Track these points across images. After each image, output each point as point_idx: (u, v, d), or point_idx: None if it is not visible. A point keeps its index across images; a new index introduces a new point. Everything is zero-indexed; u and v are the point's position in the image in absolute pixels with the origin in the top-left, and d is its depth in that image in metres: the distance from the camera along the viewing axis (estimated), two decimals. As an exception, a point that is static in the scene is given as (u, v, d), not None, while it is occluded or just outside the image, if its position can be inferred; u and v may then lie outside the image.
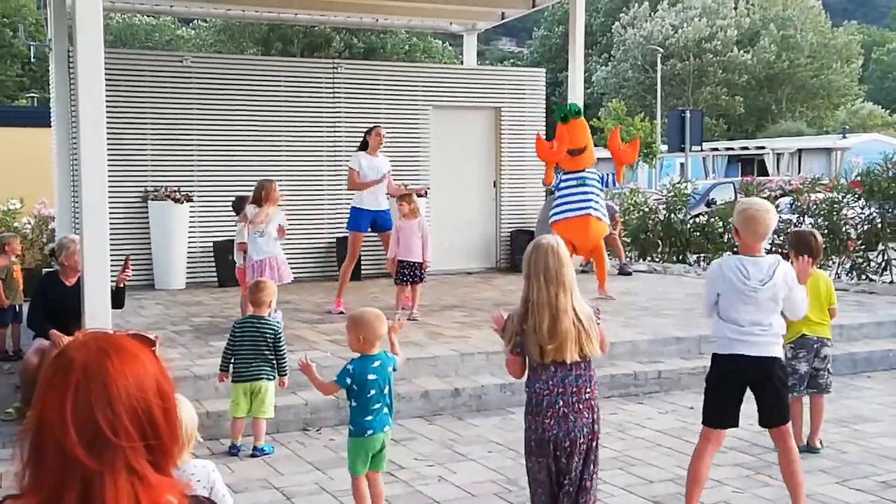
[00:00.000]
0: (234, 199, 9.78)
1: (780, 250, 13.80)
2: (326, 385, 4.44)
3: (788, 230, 13.76)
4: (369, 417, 4.34)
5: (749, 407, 6.44)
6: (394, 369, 4.46)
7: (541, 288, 3.55)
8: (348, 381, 4.34)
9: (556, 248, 3.59)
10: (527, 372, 3.70)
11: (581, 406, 3.59)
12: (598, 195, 9.85)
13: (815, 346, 5.75)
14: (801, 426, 5.76)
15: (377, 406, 4.35)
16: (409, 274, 9.02)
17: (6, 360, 8.24)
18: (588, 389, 3.63)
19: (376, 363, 4.37)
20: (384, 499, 4.58)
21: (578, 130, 9.87)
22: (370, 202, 9.48)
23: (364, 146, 9.64)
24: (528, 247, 3.68)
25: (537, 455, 3.61)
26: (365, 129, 12.78)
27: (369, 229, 9.64)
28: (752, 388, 4.39)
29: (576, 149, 9.74)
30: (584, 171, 9.82)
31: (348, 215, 9.87)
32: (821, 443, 5.80)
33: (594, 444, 3.63)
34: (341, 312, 9.12)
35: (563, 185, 9.84)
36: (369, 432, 4.34)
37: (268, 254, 8.19)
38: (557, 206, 9.96)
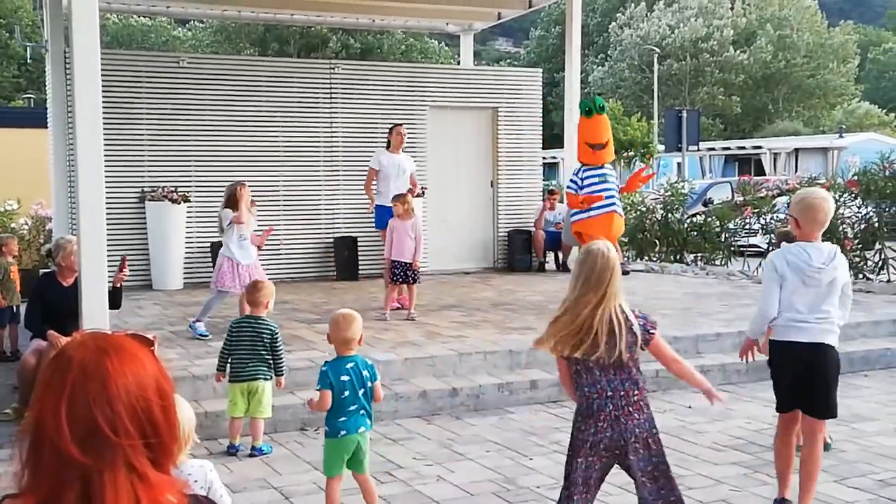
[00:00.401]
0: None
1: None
2: (322, 398, 4.42)
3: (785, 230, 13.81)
4: (343, 418, 4.35)
5: (748, 406, 6.44)
6: (373, 376, 4.44)
7: (581, 290, 3.60)
8: (328, 381, 4.38)
9: (606, 254, 3.63)
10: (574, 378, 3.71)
11: (630, 409, 3.62)
12: (618, 191, 10.05)
13: None
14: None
15: (352, 408, 4.35)
16: (401, 274, 9.03)
17: (4, 360, 8.23)
18: (636, 392, 3.65)
19: (350, 364, 4.39)
20: (377, 497, 4.57)
21: (601, 126, 9.96)
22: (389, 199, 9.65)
23: (388, 144, 10.01)
24: (581, 252, 3.69)
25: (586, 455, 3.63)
26: (362, 130, 12.81)
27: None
28: (804, 374, 4.43)
29: (597, 143, 9.84)
30: (604, 166, 9.92)
31: (374, 214, 10.17)
32: (830, 438, 5.79)
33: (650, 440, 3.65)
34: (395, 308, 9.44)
35: (586, 182, 9.91)
36: (343, 433, 4.35)
37: (252, 259, 8.15)
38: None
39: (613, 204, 9.78)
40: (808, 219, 4.39)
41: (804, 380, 4.43)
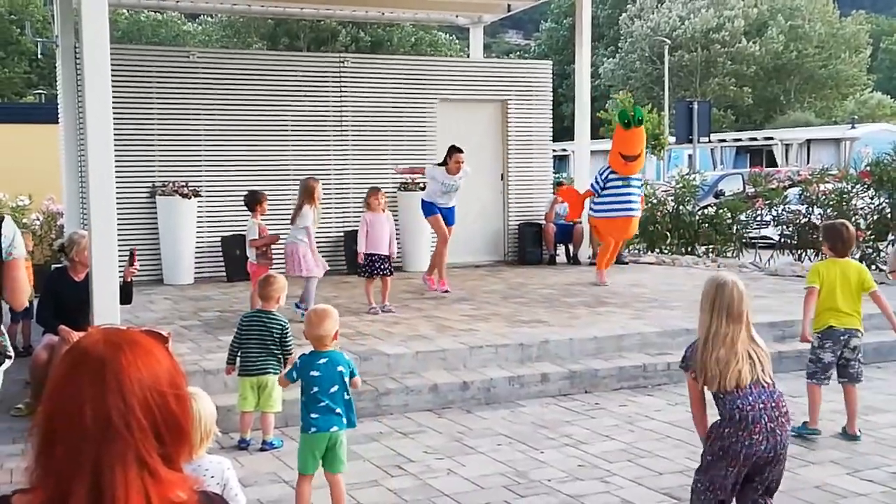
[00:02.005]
0: (245, 193, 9.69)
1: (790, 241, 13.77)
2: (278, 382, 4.46)
3: (797, 221, 13.76)
4: (314, 415, 4.33)
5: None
6: (352, 373, 4.41)
7: (720, 323, 3.70)
8: (294, 374, 4.40)
9: (738, 286, 3.75)
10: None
11: (784, 420, 3.71)
12: (638, 195, 10.56)
13: (843, 337, 5.78)
14: (817, 413, 5.81)
15: (322, 404, 4.32)
16: (378, 267, 8.99)
17: (16, 356, 8.26)
18: (784, 404, 3.75)
19: (322, 360, 4.37)
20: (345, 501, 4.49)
21: (637, 138, 10.32)
22: (443, 201, 10.05)
23: (444, 162, 10.09)
24: (707, 284, 3.84)
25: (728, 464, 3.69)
26: (372, 123, 12.83)
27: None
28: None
29: (630, 155, 10.21)
30: (635, 175, 10.50)
31: (421, 207, 10.32)
32: (860, 431, 5.77)
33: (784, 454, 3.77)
34: (446, 291, 9.87)
35: (609, 183, 10.36)
36: (313, 430, 4.33)
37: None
38: (603, 202, 10.54)
39: (632, 209, 10.42)
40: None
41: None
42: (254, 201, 8.61)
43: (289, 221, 8.80)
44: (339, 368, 4.37)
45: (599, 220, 10.86)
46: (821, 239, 6.28)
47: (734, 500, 3.76)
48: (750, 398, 3.65)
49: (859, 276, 5.82)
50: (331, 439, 4.36)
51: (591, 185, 10.87)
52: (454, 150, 10.02)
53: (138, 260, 7.17)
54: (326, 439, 4.35)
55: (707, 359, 3.70)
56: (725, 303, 3.69)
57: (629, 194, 10.37)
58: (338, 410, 4.35)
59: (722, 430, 3.69)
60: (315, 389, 4.33)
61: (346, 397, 4.40)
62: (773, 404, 3.67)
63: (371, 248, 8.95)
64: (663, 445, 5.70)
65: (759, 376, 3.68)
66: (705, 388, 3.79)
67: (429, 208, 10.17)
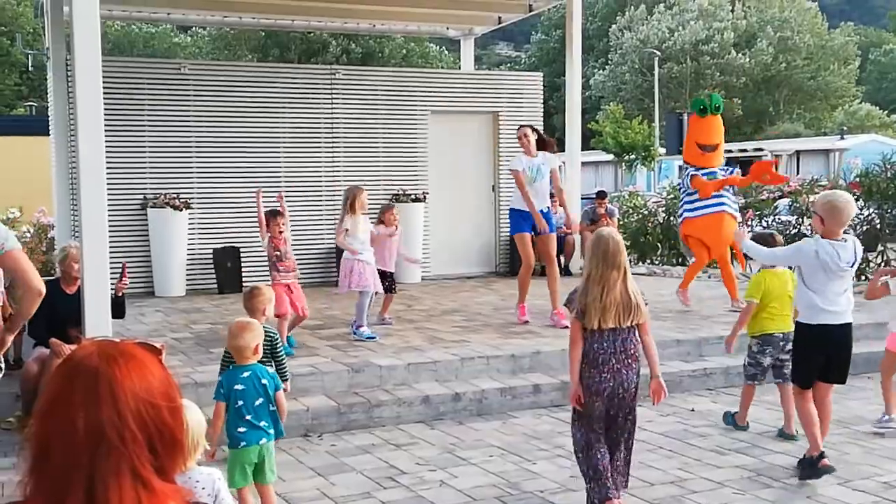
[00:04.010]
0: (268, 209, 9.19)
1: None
2: (216, 412, 4.34)
3: (787, 232, 13.81)
4: (242, 429, 4.31)
5: (750, 409, 6.44)
6: (276, 386, 4.41)
7: (597, 268, 4.45)
8: (222, 391, 4.35)
9: (614, 237, 4.55)
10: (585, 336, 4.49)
11: (630, 360, 4.49)
12: (729, 192, 9.47)
13: (781, 342, 6.08)
14: (747, 410, 6.25)
15: (248, 418, 4.32)
16: (383, 283, 8.66)
17: (7, 368, 8.21)
18: (632, 347, 4.50)
19: (245, 373, 4.36)
20: None
21: (714, 127, 9.48)
22: (534, 197, 8.79)
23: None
24: (592, 237, 4.64)
25: (592, 400, 4.47)
26: (363, 135, 12.85)
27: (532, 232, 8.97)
28: (832, 349, 5.26)
29: (708, 145, 9.41)
30: (714, 168, 9.44)
31: (508, 219, 9.31)
32: (797, 431, 5.87)
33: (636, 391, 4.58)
34: (526, 321, 8.84)
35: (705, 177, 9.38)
36: (242, 444, 4.32)
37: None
38: (690, 202, 9.49)
39: (724, 204, 9.30)
40: (834, 220, 5.12)
41: (833, 356, 5.27)
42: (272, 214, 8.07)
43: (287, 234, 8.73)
44: (263, 381, 4.37)
45: (691, 220, 9.48)
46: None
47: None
48: (605, 343, 4.42)
49: (791, 283, 6.04)
50: (260, 452, 4.37)
51: (681, 189, 9.76)
52: (521, 127, 9.05)
53: (129, 273, 7.16)
54: (256, 452, 4.36)
55: (586, 297, 4.43)
56: (601, 250, 4.45)
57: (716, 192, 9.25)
58: (263, 423, 4.35)
59: (581, 372, 4.46)
60: (240, 403, 4.32)
61: (272, 408, 4.40)
62: (622, 348, 4.45)
63: (379, 264, 8.56)
64: (655, 456, 5.71)
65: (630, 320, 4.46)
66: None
67: (514, 221, 8.95)
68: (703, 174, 9.34)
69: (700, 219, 9.36)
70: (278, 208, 7.89)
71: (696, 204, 9.41)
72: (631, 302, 4.48)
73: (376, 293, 8.53)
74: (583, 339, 4.47)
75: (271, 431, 4.40)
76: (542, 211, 8.84)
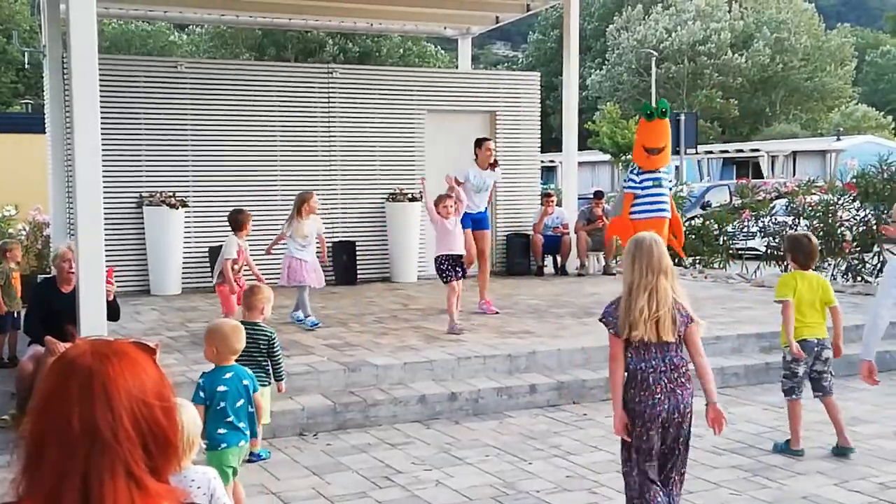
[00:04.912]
0: (231, 210, 9.34)
1: (776, 252, 13.85)
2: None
3: (783, 233, 13.82)
4: (222, 431, 4.30)
5: (747, 410, 6.44)
6: (254, 388, 4.41)
7: (642, 275, 3.90)
8: (202, 395, 4.33)
9: (657, 241, 4.00)
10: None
11: (682, 379, 3.94)
12: (667, 195, 10.05)
13: (816, 348, 5.78)
14: (799, 428, 5.80)
15: (229, 419, 4.31)
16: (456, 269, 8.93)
17: (1, 367, 8.20)
18: (683, 364, 3.97)
19: (228, 374, 4.36)
20: None
21: (660, 130, 9.86)
22: (474, 203, 9.89)
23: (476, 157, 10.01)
24: (628, 243, 4.10)
25: (646, 428, 3.91)
26: (360, 134, 12.83)
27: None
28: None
29: (653, 147, 9.77)
30: (658, 171, 9.88)
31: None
32: (850, 441, 5.77)
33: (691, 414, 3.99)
34: (496, 312, 9.56)
35: (643, 184, 9.89)
36: (223, 445, 4.31)
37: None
38: (639, 205, 9.96)
39: (663, 210, 9.81)
40: None
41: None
42: (237, 221, 8.39)
43: (278, 233, 8.89)
44: (245, 382, 4.37)
45: (637, 222, 9.86)
46: (784, 251, 6.31)
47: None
48: (653, 361, 3.88)
49: (823, 290, 5.84)
50: (239, 454, 4.38)
51: (629, 186, 10.16)
52: (481, 140, 9.89)
53: (125, 271, 7.14)
54: (236, 454, 4.36)
55: (633, 309, 3.85)
56: (644, 255, 3.91)
57: (661, 195, 9.82)
58: (241, 424, 4.35)
59: (626, 394, 3.93)
60: (222, 404, 4.31)
61: (250, 410, 4.40)
62: (673, 365, 3.89)
63: (445, 249, 8.77)
64: (651, 456, 5.70)
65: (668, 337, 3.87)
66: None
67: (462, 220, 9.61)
68: (646, 178, 9.79)
69: (646, 220, 9.69)
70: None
71: (643, 207, 9.90)
72: (681, 310, 3.93)
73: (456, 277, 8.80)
74: (625, 357, 3.92)
75: (248, 433, 4.40)
76: (480, 213, 10.06)
